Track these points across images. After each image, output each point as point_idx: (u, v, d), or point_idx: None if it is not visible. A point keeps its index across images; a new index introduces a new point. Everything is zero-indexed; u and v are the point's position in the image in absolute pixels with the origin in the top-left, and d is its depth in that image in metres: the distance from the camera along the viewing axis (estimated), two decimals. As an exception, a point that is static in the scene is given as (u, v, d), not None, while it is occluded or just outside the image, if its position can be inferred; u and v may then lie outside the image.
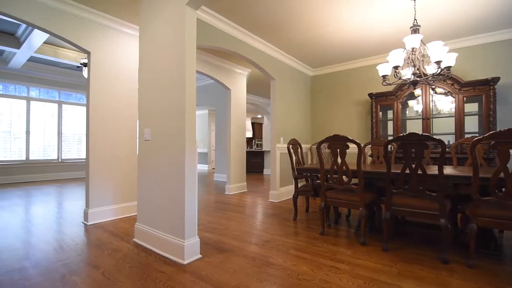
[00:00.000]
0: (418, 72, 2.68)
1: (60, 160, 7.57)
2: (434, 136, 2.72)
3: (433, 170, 2.43)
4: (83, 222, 3.27)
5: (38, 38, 4.63)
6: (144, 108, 2.62)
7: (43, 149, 7.30)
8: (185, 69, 2.19)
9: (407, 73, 2.78)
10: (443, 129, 4.11)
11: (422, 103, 4.07)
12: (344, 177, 2.70)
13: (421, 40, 2.66)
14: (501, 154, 1.86)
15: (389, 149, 4.12)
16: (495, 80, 3.51)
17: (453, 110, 3.88)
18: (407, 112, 4.56)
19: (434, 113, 4.11)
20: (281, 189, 4.71)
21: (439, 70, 2.56)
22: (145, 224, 2.56)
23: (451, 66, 2.58)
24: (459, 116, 3.79)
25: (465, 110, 3.80)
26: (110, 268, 2.06)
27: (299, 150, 3.77)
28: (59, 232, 2.90)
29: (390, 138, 4.48)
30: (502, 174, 1.90)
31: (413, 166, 2.22)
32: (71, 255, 2.29)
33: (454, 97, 3.84)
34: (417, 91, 4.13)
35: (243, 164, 5.76)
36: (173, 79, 2.29)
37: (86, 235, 2.82)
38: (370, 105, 4.64)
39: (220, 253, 2.35)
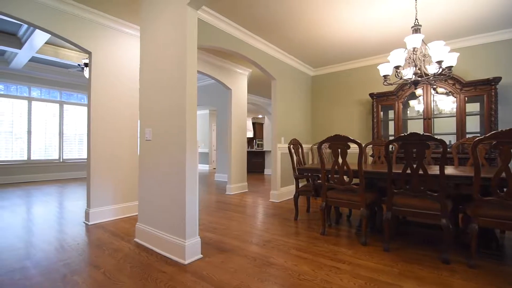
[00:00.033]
0: (419, 72, 2.67)
1: (61, 160, 7.59)
2: (436, 136, 2.72)
3: (435, 170, 2.42)
4: (84, 222, 3.27)
5: (39, 38, 4.64)
6: (145, 108, 2.62)
7: (44, 149, 7.31)
8: (186, 69, 2.19)
9: (408, 73, 2.77)
10: (445, 129, 4.10)
11: (423, 103, 4.06)
12: (345, 177, 2.69)
13: (422, 40, 2.65)
14: (502, 154, 1.85)
15: (390, 149, 4.12)
16: (497, 80, 3.50)
17: (455, 110, 3.87)
18: (408, 112, 4.55)
19: (435, 113, 4.10)
20: (282, 189, 4.71)
21: (441, 70, 2.55)
22: (146, 224, 2.56)
23: (452, 66, 2.58)
24: (461, 116, 3.78)
25: (467, 110, 3.79)
26: (111, 268, 2.06)
27: (300, 150, 3.77)
28: (60, 232, 2.91)
29: (391, 138, 4.47)
30: (503, 174, 1.89)
31: (414, 166, 2.21)
32: (72, 255, 2.30)
33: (455, 97, 3.83)
34: (418, 91, 4.13)
35: (244, 164, 5.76)
36: (174, 79, 2.30)
37: (87, 235, 2.83)
38: (371, 105, 4.63)
39: (221, 253, 2.35)
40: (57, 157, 7.52)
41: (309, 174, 3.55)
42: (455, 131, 3.84)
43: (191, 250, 2.19)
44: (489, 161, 3.42)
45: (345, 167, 2.63)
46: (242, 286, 1.80)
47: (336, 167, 2.67)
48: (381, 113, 4.53)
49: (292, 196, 4.57)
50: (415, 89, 3.51)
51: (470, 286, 1.78)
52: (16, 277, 1.91)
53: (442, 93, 4.02)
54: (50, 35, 4.41)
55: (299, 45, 4.39)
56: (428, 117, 4.03)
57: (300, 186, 3.55)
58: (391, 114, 4.61)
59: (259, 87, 7.53)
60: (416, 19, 2.74)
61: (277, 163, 4.62)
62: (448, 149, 3.64)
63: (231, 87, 5.51)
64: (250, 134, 12.21)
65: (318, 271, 2.01)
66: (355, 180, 2.62)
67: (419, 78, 2.68)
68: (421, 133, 2.11)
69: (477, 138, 1.92)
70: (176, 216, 2.25)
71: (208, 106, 9.39)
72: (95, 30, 3.29)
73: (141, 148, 2.66)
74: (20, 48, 5.16)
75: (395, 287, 1.78)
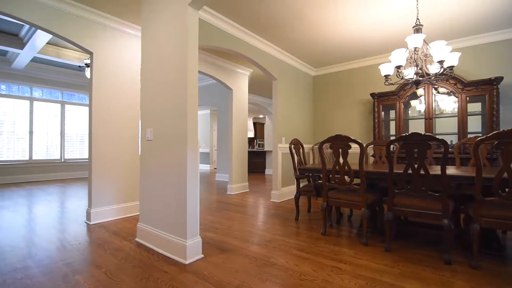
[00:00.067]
0: (420, 71, 2.66)
1: (63, 160, 7.61)
2: (437, 136, 2.71)
3: (436, 170, 2.42)
4: (85, 222, 3.28)
5: (41, 39, 4.66)
6: (146, 108, 2.62)
7: (46, 149, 7.34)
8: (187, 69, 2.20)
9: (409, 73, 2.76)
10: (446, 129, 4.09)
11: (425, 103, 4.05)
12: (346, 177, 2.69)
13: (424, 40, 2.64)
14: (504, 154, 1.85)
15: (392, 149, 4.11)
16: (499, 79, 3.49)
17: (456, 110, 3.86)
18: (409, 112, 4.54)
19: (436, 113, 4.09)
20: (283, 189, 4.71)
21: (442, 69, 2.54)
22: (147, 224, 2.57)
23: (454, 66, 2.57)
24: (462, 116, 3.77)
25: (468, 110, 3.78)
26: (112, 267, 2.07)
27: (301, 150, 3.77)
28: (62, 232, 2.92)
29: (392, 138, 4.46)
30: (505, 174, 1.88)
31: (416, 166, 2.21)
32: (74, 255, 2.31)
33: (457, 97, 3.82)
34: (420, 91, 4.12)
35: (245, 164, 5.76)
36: (175, 79, 2.30)
37: (88, 234, 2.84)
38: (372, 105, 4.63)
39: (222, 253, 2.35)
40: (58, 157, 7.55)
41: (310, 174, 3.54)
42: (456, 131, 3.83)
43: (192, 250, 2.19)
44: (491, 161, 3.41)
45: (346, 167, 2.62)
46: (243, 286, 1.80)
47: (337, 167, 2.67)
48: (382, 113, 4.52)
49: (293, 196, 4.57)
50: (417, 89, 3.50)
51: (471, 287, 1.78)
52: (19, 276, 1.91)
53: (443, 93, 4.01)
54: (51, 36, 4.42)
55: (300, 45, 4.39)
56: (429, 117, 4.02)
57: (301, 186, 3.55)
58: (392, 114, 4.60)
59: (260, 87, 7.53)
60: (418, 18, 2.73)
61: (278, 163, 4.62)
62: (450, 149, 3.63)
63: (232, 87, 5.52)
64: (251, 134, 12.20)
65: (319, 271, 2.01)
66: (356, 180, 2.61)
67: (421, 78, 2.67)
68: (423, 133, 2.10)
69: (479, 138, 1.92)
70: (177, 216, 2.25)
71: (209, 106, 9.40)
72: (96, 30, 3.30)
73: (142, 148, 2.66)
74: (22, 49, 5.18)
75: (396, 287, 1.78)
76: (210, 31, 3.42)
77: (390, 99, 4.36)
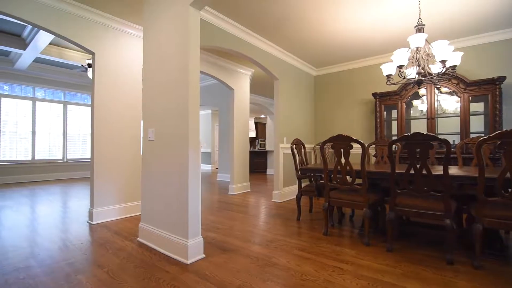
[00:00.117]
0: (422, 71, 2.65)
1: (65, 160, 7.64)
2: (439, 136, 2.70)
3: (438, 170, 2.41)
4: (87, 222, 3.29)
5: (43, 39, 4.68)
6: (148, 108, 2.63)
7: (48, 149, 7.37)
8: (189, 69, 2.20)
9: (411, 73, 2.75)
10: (448, 129, 4.07)
11: (427, 103, 4.04)
12: (347, 177, 2.68)
13: (426, 39, 2.63)
14: (507, 154, 1.84)
15: (394, 149, 4.09)
16: (501, 79, 3.47)
17: (458, 109, 3.85)
18: (411, 111, 4.53)
19: (439, 112, 4.08)
20: (284, 189, 4.71)
21: (444, 69, 2.53)
22: (149, 224, 2.57)
23: (456, 65, 2.56)
24: (465, 116, 3.75)
25: (471, 110, 3.76)
26: (114, 267, 2.07)
27: (302, 150, 3.77)
28: (64, 231, 2.93)
29: (394, 138, 4.44)
30: (508, 174, 1.87)
31: (418, 166, 2.20)
32: (76, 254, 2.31)
33: (459, 97, 3.80)
34: (422, 91, 4.10)
35: (246, 164, 5.76)
36: (177, 79, 2.30)
37: (90, 234, 2.85)
38: (374, 105, 4.61)
39: (224, 253, 2.36)
40: (61, 157, 7.58)
41: (312, 174, 3.54)
42: (459, 131, 3.81)
43: (193, 249, 2.19)
44: (494, 161, 3.39)
45: (348, 167, 2.62)
46: (245, 286, 1.80)
47: (338, 167, 2.66)
48: (384, 113, 4.51)
49: (295, 196, 4.57)
50: (419, 88, 3.48)
51: (474, 287, 1.77)
52: (21, 276, 1.92)
53: (445, 93, 3.99)
54: (54, 36, 4.44)
55: (302, 45, 4.38)
56: (431, 116, 4.00)
57: (302, 186, 3.54)
58: (394, 114, 4.59)
59: (262, 87, 7.53)
60: (420, 18, 2.72)
61: (280, 163, 4.62)
62: (452, 149, 3.61)
63: (233, 87, 5.52)
64: (252, 134, 12.21)
65: (321, 271, 2.01)
66: (358, 180, 2.61)
67: (423, 78, 2.66)
68: (425, 133, 2.10)
69: (482, 138, 1.91)
70: (178, 216, 2.26)
71: (210, 106, 9.41)
72: (98, 31, 3.31)
73: (144, 148, 2.67)
74: (24, 49, 5.21)
75: (398, 287, 1.77)
76: (211, 31, 3.42)
77: (392, 99, 4.35)
